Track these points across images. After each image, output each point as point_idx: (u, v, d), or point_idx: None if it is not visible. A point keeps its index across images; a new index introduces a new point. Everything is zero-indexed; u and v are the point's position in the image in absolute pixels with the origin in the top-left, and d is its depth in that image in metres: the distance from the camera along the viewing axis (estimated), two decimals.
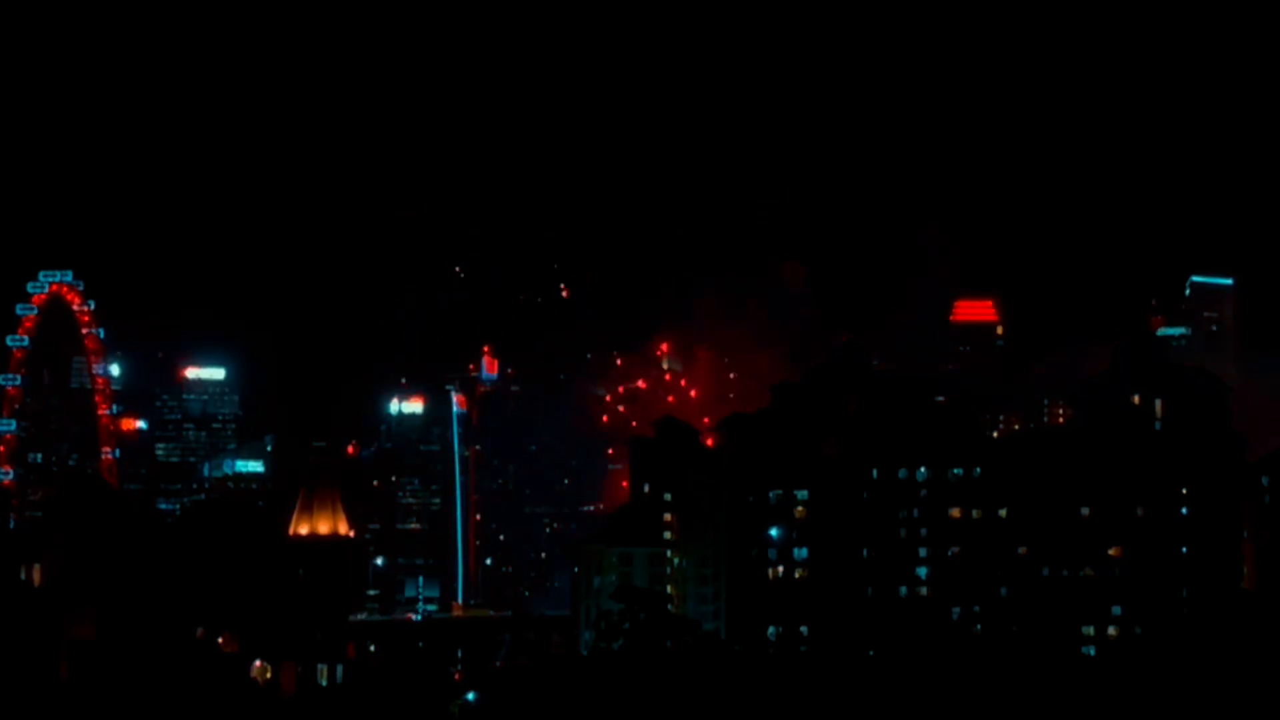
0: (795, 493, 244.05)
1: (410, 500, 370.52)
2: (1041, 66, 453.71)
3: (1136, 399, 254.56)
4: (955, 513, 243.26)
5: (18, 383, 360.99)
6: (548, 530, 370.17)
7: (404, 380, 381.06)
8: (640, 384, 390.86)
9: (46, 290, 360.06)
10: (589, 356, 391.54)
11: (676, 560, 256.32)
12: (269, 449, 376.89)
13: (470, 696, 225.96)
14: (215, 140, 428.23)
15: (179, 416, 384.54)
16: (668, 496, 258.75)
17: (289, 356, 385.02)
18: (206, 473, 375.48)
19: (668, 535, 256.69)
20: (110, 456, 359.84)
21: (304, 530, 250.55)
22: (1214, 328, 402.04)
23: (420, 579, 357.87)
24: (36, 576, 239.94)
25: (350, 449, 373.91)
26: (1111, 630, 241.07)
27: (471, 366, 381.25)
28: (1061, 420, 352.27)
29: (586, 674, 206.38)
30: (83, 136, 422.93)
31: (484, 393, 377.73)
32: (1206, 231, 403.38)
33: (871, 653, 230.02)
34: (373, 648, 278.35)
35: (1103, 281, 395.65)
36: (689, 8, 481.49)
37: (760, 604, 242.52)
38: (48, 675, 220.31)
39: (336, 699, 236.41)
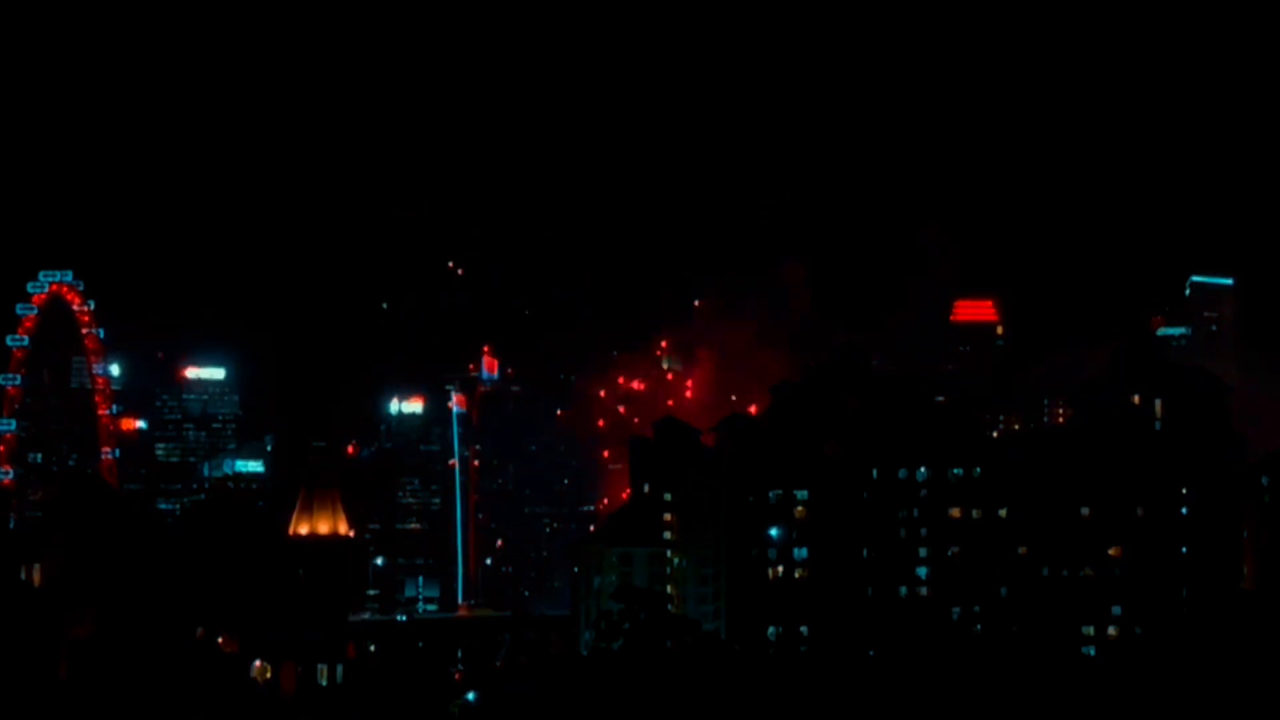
0: (795, 493, 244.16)
1: (410, 500, 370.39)
2: (1041, 67, 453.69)
3: (1136, 399, 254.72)
4: (955, 513, 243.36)
5: (18, 383, 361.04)
6: (548, 530, 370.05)
7: (404, 380, 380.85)
8: (640, 384, 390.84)
9: (46, 290, 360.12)
10: (589, 356, 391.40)
11: (676, 560, 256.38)
12: (269, 449, 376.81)
13: (470, 696, 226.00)
14: (215, 140, 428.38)
15: (179, 416, 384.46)
16: (668, 496, 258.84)
17: (289, 356, 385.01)
18: (206, 473, 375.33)
19: (668, 535, 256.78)
20: (110, 456, 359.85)
21: (304, 530, 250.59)
22: (1214, 328, 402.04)
23: (420, 579, 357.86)
24: (36, 576, 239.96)
25: (350, 449, 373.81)
26: (1111, 630, 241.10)
27: (471, 366, 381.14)
28: (1061, 420, 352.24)
29: (586, 674, 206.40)
30: (83, 136, 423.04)
31: (484, 393, 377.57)
32: (1206, 231, 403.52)
33: (871, 653, 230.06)
34: (373, 648, 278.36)
35: (1103, 281, 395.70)
36: (689, 8, 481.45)
37: (760, 604, 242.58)
38: (48, 675, 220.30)
39: (336, 699, 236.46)
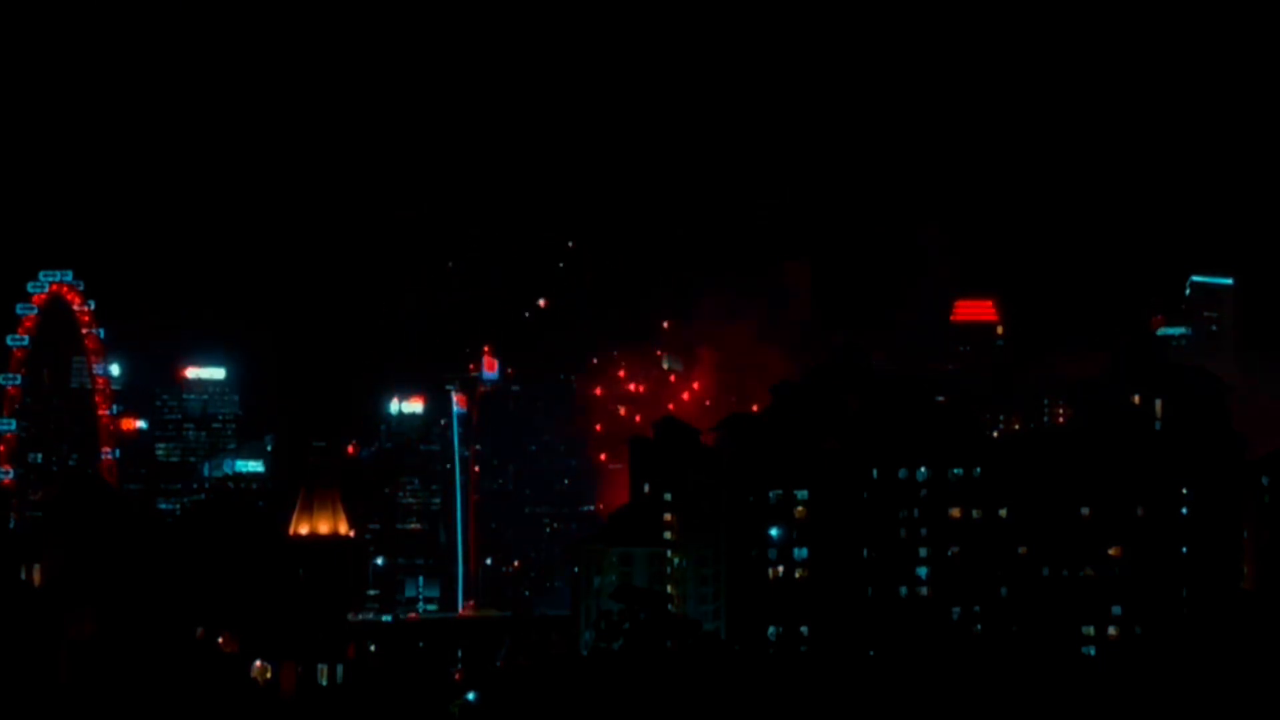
0: (795, 493, 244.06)
1: (410, 500, 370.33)
2: (1041, 67, 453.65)
3: (1136, 399, 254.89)
4: (955, 513, 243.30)
5: (18, 383, 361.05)
6: (548, 530, 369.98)
7: (404, 380, 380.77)
8: (640, 384, 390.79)
9: (46, 290, 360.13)
10: (589, 356, 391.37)
11: (676, 560, 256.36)
12: (269, 449, 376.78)
13: (470, 696, 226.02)
14: (215, 140, 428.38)
15: (179, 416, 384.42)
16: (668, 496, 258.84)
17: (289, 356, 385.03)
18: (206, 473, 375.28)
19: (668, 535, 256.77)
20: (110, 456, 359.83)
21: (304, 530, 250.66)
22: (1214, 328, 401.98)
23: (420, 579, 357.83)
24: (36, 576, 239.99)
25: (350, 449, 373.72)
26: (1111, 630, 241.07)
27: (471, 366, 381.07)
28: (1061, 420, 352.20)
29: (586, 674, 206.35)
30: (82, 136, 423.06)
31: (484, 393, 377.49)
32: (1206, 231, 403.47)
33: (871, 653, 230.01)
34: (373, 648, 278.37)
35: (1103, 281, 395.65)
36: (689, 8, 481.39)
37: (760, 604, 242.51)
38: (48, 675, 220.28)
39: (336, 699, 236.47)
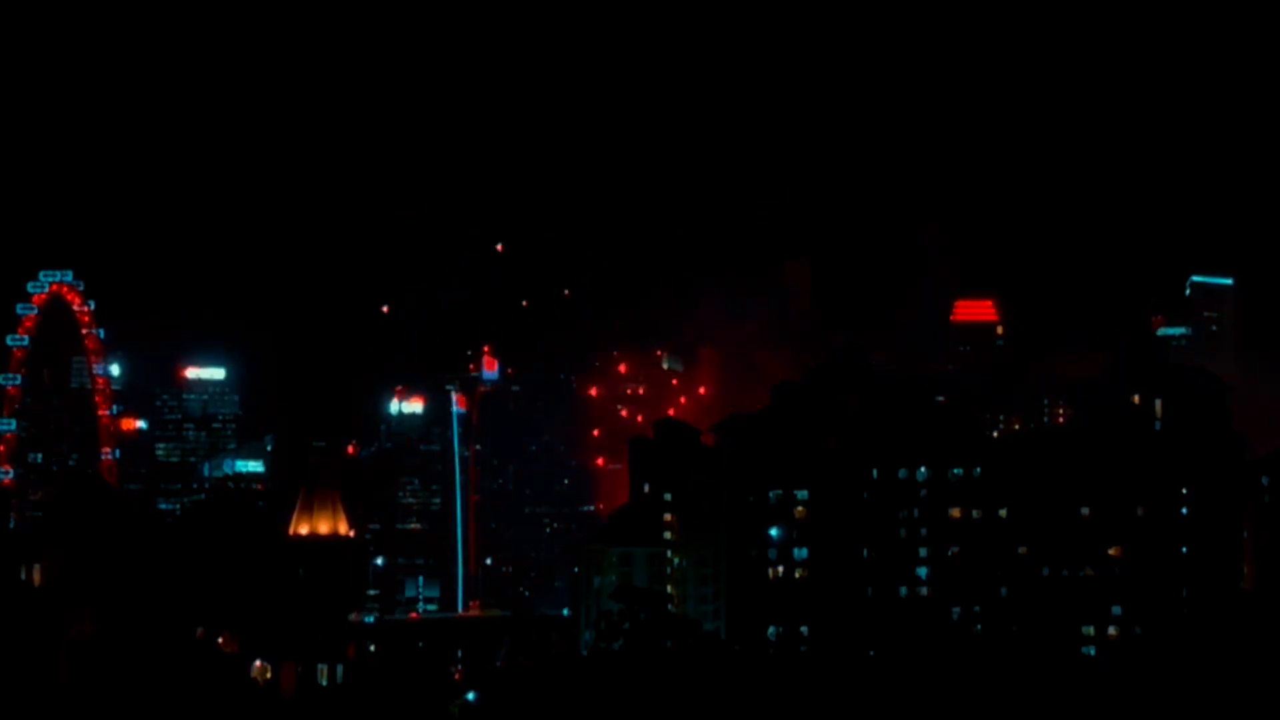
0: (795, 493, 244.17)
1: (410, 500, 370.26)
2: (1041, 67, 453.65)
3: (1136, 399, 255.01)
4: (955, 513, 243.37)
5: (18, 382, 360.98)
6: (548, 530, 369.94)
7: (404, 380, 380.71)
8: (640, 385, 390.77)
9: (46, 290, 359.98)
10: (589, 356, 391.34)
11: (676, 560, 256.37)
12: (269, 449, 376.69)
13: (470, 696, 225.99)
14: (215, 140, 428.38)
15: (179, 416, 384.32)
16: (668, 496, 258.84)
17: (289, 356, 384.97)
18: (206, 473, 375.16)
19: (668, 535, 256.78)
20: (110, 457, 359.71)
21: (304, 530, 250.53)
22: (1214, 328, 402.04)
23: (420, 579, 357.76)
24: (36, 576, 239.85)
25: (350, 449, 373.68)
26: (1111, 630, 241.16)
27: (471, 366, 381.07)
28: (1061, 420, 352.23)
29: (586, 674, 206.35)
30: (82, 136, 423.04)
31: (484, 393, 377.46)
32: (1206, 231, 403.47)
33: (871, 653, 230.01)
34: (373, 648, 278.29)
35: (1103, 281, 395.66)
36: (689, 8, 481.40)
37: (760, 604, 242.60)
38: (48, 675, 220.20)
39: (336, 699, 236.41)
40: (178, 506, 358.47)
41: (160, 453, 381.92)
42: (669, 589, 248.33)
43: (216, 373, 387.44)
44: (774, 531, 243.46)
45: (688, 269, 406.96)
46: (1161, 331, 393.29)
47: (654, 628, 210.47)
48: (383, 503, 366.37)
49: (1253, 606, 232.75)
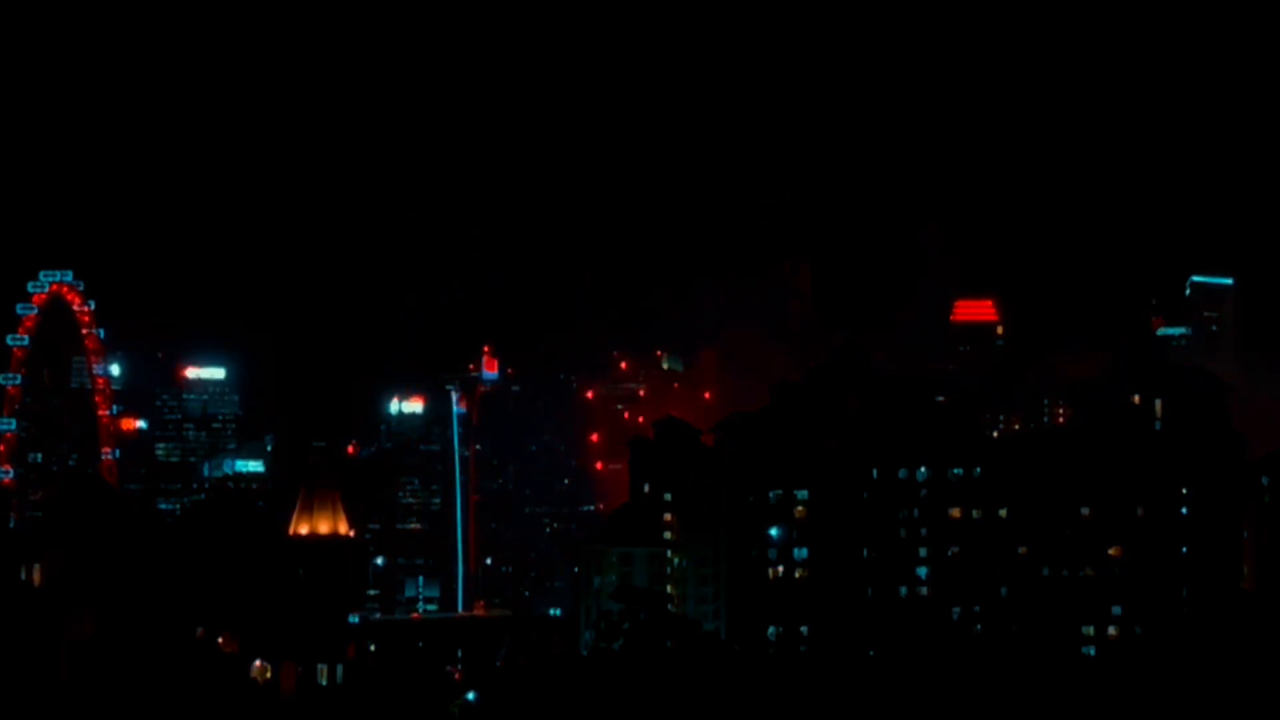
0: (795, 493, 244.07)
1: (410, 500, 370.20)
2: (1041, 66, 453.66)
3: (1136, 399, 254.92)
4: (955, 513, 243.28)
5: (18, 382, 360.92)
6: (548, 530, 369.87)
7: (404, 380, 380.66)
8: (640, 384, 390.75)
9: (46, 290, 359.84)
10: (589, 356, 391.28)
11: (676, 560, 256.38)
12: (269, 449, 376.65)
13: (470, 696, 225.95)
14: (215, 140, 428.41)
15: (179, 416, 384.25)
16: (668, 496, 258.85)
17: (289, 356, 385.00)
18: (206, 473, 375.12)
19: (668, 535, 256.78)
20: (110, 457, 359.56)
21: (304, 530, 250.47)
22: (1214, 328, 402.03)
23: (420, 579, 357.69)
24: (36, 576, 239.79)
25: (350, 449, 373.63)
26: (1111, 630, 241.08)
27: (471, 366, 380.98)
28: (1061, 420, 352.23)
29: (586, 674, 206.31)
30: (82, 136, 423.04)
31: (484, 393, 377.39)
32: (1206, 231, 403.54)
33: (871, 653, 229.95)
34: (373, 647, 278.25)
35: (1103, 281, 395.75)
36: (689, 8, 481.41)
37: (760, 604, 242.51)
38: (48, 675, 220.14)
39: (336, 699, 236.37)
40: (178, 506, 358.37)
41: (160, 453, 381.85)
42: (669, 589, 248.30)
43: (216, 373, 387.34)
44: (774, 531, 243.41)
45: (688, 269, 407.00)
46: (1161, 331, 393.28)
47: (654, 628, 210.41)
48: (383, 503, 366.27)
49: (1253, 606, 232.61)
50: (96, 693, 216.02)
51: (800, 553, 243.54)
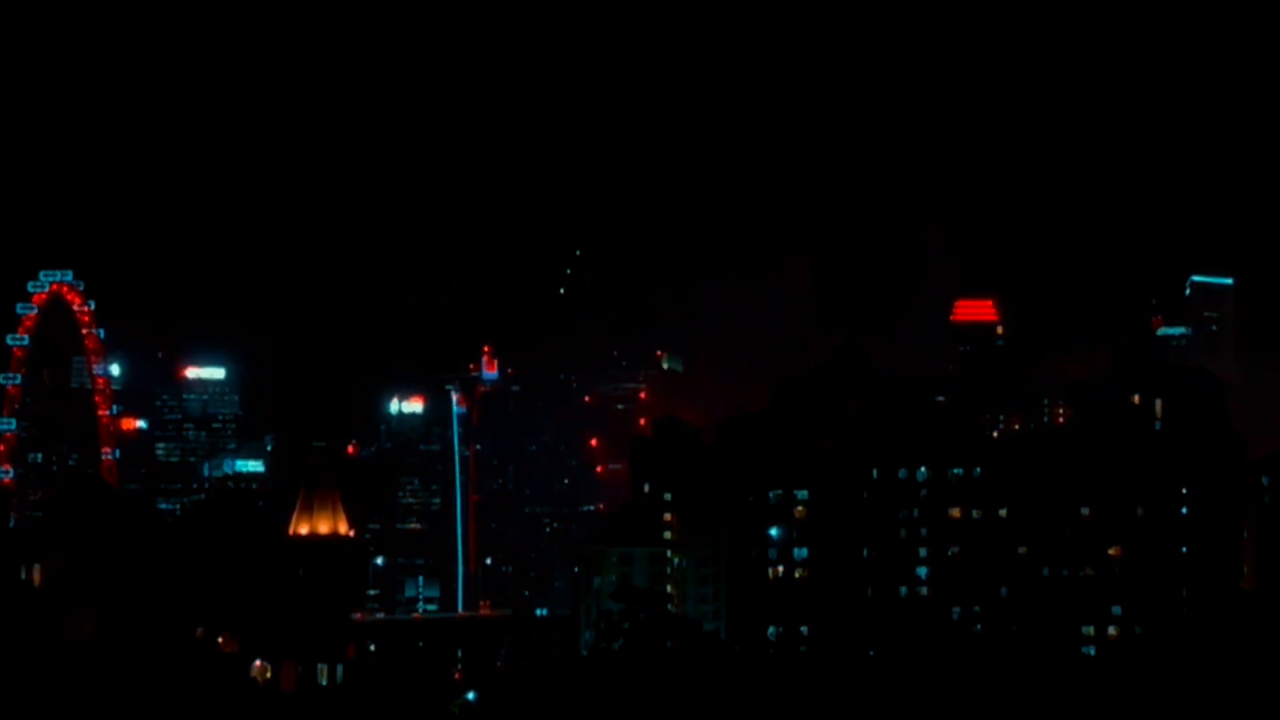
0: (795, 493, 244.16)
1: (410, 500, 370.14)
2: (1041, 66, 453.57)
3: (1136, 399, 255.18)
4: (955, 513, 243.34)
5: (18, 382, 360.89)
6: (548, 530, 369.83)
7: (404, 380, 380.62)
8: (640, 384, 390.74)
9: (46, 290, 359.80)
10: (589, 356, 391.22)
11: (676, 560, 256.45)
12: (269, 449, 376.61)
13: (470, 696, 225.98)
14: (215, 140, 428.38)
15: (179, 416, 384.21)
16: (668, 496, 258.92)
17: (289, 356, 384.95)
18: (206, 473, 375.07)
19: (668, 535, 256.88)
20: (110, 457, 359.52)
21: (304, 530, 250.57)
22: (1214, 328, 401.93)
23: (420, 579, 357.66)
24: (36, 576, 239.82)
25: (350, 449, 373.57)
26: (1111, 630, 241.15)
27: (471, 366, 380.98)
28: (1061, 420, 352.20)
29: (586, 674, 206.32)
30: (82, 136, 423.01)
31: (484, 393, 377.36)
32: (1206, 231, 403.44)
33: (871, 653, 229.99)
34: (373, 647, 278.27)
35: (1103, 281, 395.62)
36: (689, 8, 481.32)
37: (760, 604, 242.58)
38: (48, 675, 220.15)
39: (336, 699, 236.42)
40: (178, 506, 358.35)
41: (160, 453, 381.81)
42: (669, 589, 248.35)
43: (216, 373, 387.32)
44: (774, 531, 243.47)
45: (688, 269, 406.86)
46: (1161, 331, 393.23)
47: (654, 628, 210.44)
48: (383, 503, 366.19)
49: (1253, 606, 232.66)
50: (96, 693, 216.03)
51: (800, 553, 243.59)
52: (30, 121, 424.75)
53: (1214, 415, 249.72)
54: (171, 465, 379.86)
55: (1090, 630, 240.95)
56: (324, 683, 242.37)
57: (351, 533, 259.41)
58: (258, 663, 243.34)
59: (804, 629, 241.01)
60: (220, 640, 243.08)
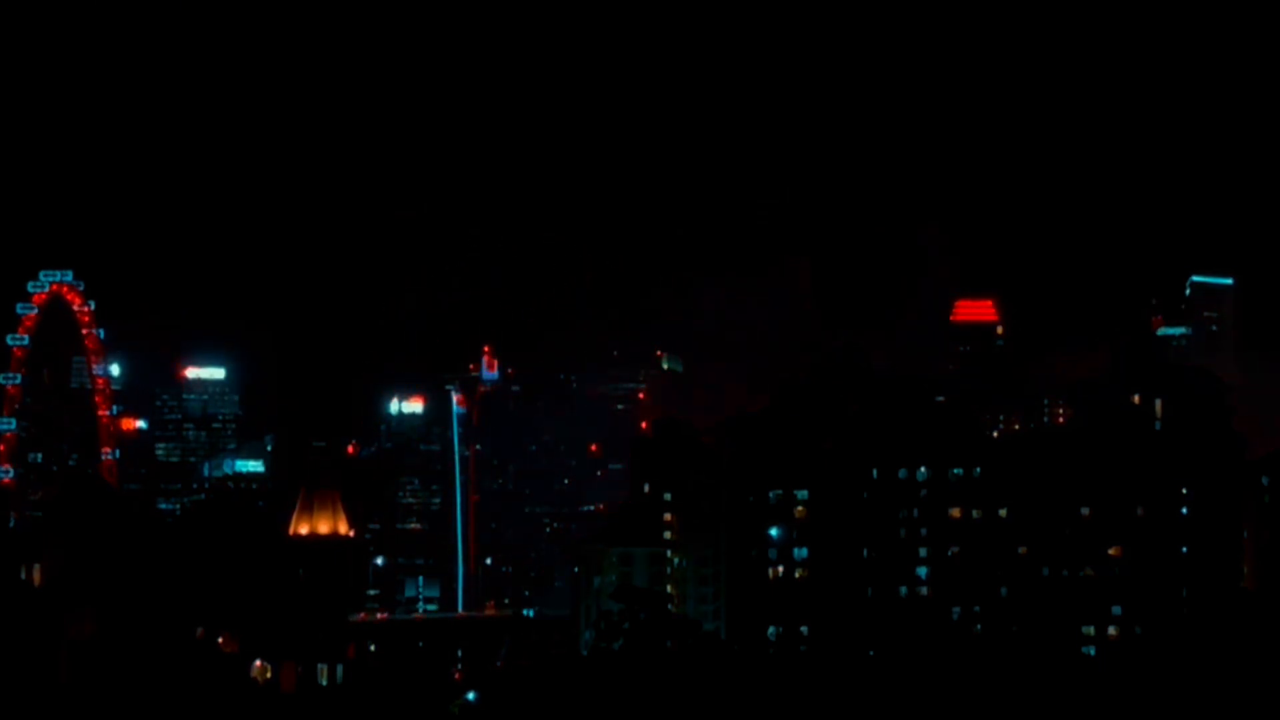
0: (795, 493, 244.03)
1: (410, 500, 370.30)
2: (1041, 66, 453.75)
3: (1136, 399, 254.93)
4: (955, 513, 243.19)
5: (18, 382, 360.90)
6: (548, 530, 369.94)
7: (404, 380, 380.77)
8: (640, 384, 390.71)
9: (47, 290, 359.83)
10: (589, 356, 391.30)
11: (676, 560, 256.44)
12: (269, 449, 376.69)
13: (470, 696, 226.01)
14: (215, 140, 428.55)
15: (179, 416, 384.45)
16: (668, 496, 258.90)
17: (289, 356, 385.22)
18: (206, 473, 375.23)
19: (668, 535, 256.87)
20: (110, 457, 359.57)
21: (304, 530, 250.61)
22: (1214, 328, 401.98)
23: (420, 579, 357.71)
24: (36, 576, 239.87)
25: (350, 449, 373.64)
26: (1111, 630, 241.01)
27: (471, 366, 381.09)
28: (1061, 420, 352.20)
29: (586, 674, 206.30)
30: (83, 136, 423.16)
31: (484, 393, 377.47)
32: (1206, 231, 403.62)
33: (871, 653, 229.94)
34: (373, 647, 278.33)
35: (1103, 281, 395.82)
36: (689, 8, 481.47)
37: (760, 604, 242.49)
38: (48, 675, 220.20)
39: (336, 699, 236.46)
40: (178, 506, 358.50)
41: (160, 453, 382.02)
42: (669, 589, 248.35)
43: (216, 373, 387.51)
44: (774, 531, 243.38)
45: (688, 269, 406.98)
46: (1161, 331, 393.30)
47: (654, 628, 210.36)
48: (383, 503, 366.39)
49: (1253, 606, 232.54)
50: (96, 693, 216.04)
51: (800, 553, 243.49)
52: (30, 121, 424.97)
53: (1214, 415, 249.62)
54: (171, 465, 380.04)
55: (1090, 630, 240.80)
56: (324, 683, 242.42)
57: (351, 533, 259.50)
58: (258, 663, 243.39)
59: (804, 629, 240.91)
60: (220, 640, 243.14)
